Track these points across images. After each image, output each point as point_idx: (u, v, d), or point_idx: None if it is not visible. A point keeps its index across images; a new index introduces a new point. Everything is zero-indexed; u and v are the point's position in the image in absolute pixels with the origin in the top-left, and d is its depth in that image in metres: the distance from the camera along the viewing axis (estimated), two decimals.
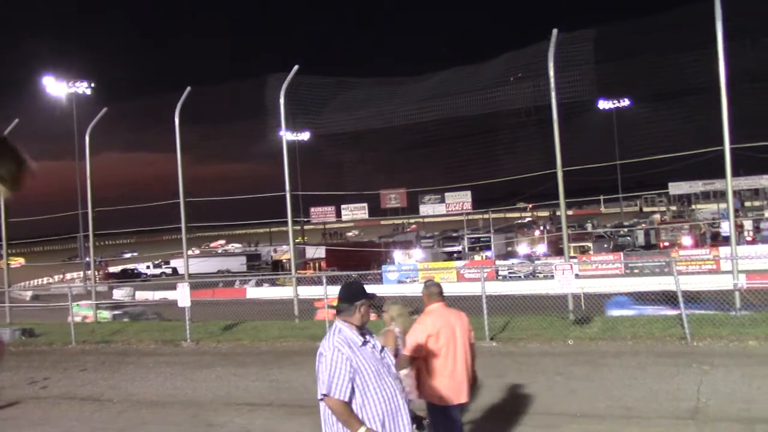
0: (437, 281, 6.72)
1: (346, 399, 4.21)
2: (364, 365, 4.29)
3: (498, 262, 42.96)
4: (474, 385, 6.48)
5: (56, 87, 54.07)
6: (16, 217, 25.76)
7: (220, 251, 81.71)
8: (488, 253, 47.70)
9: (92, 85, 55.05)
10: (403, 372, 6.59)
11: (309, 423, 8.79)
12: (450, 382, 6.19)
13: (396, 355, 6.68)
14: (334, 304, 5.29)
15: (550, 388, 9.98)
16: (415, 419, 4.57)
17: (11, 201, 2.08)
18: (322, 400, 4.28)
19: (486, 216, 57.39)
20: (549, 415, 8.53)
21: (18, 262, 70.08)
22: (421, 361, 6.30)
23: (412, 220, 62.73)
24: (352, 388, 4.23)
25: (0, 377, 14.05)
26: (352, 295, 4.51)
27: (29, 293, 44.15)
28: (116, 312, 25.57)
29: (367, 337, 4.49)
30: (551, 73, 16.47)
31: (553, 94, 16.44)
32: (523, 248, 50.88)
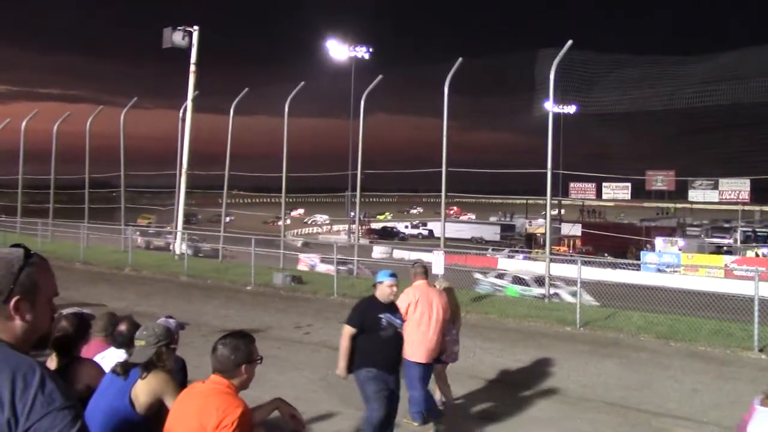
0: (423, 261, 8.77)
1: None
2: None
3: None
4: (443, 353, 8.14)
5: (338, 50, 57.47)
6: (294, 173, 28.11)
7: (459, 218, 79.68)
8: (765, 250, 43.36)
9: (371, 50, 57.81)
10: None
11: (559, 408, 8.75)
12: (421, 344, 7.57)
13: None
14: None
15: None
16: None
17: None
18: None
19: (766, 208, 52.14)
20: None
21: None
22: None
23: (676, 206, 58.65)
24: None
25: (270, 318, 15.62)
26: None
27: (300, 240, 48.34)
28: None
29: None
30: None
31: None
32: None
